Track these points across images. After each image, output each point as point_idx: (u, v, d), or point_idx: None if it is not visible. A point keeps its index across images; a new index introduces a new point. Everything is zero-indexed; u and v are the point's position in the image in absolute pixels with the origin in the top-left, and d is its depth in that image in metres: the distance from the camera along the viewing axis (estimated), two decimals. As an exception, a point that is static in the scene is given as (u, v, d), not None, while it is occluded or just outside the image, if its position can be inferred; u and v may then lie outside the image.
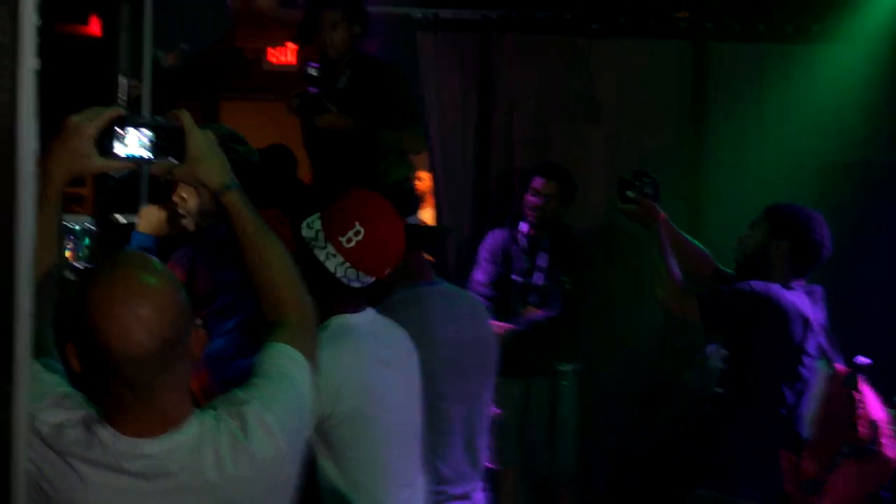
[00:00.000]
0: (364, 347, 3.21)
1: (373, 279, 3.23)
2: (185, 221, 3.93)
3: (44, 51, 2.10)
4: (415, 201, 4.11)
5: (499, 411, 6.14)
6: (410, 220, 3.91)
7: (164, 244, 3.87)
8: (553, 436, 6.28)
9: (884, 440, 4.57)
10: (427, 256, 4.01)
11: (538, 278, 6.21)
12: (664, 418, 6.83)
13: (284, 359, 2.43)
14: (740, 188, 6.84)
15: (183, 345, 2.19)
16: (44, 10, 2.10)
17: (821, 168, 6.92)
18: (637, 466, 6.96)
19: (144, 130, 2.42)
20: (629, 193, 4.70)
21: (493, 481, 6.14)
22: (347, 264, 3.15)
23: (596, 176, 7.03)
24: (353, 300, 3.27)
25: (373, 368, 3.19)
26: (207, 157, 2.48)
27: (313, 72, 5.48)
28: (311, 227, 3.19)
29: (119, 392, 2.17)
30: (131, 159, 2.43)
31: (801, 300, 4.46)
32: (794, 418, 4.52)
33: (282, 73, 8.80)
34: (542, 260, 6.27)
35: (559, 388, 6.30)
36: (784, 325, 4.41)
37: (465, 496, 3.86)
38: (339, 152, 5.61)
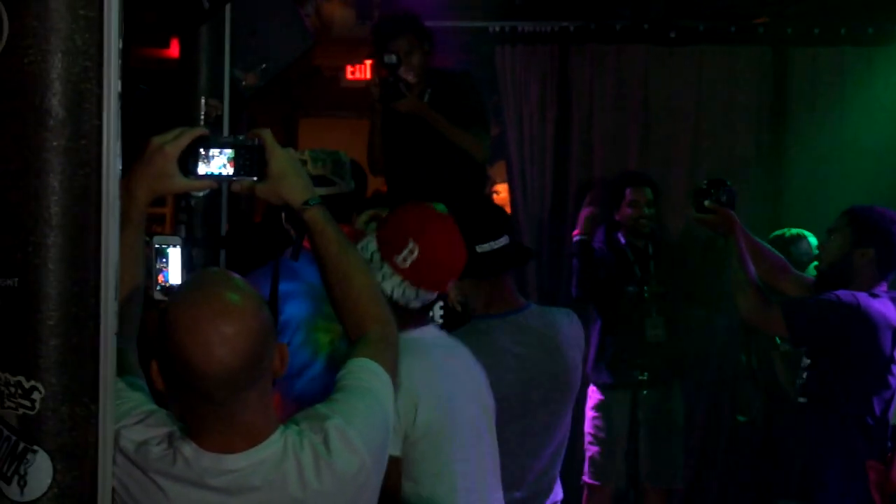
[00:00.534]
0: (434, 361, 3.15)
1: (434, 295, 3.18)
2: None
3: (128, 75, 2.13)
4: (507, 221, 3.99)
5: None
6: (502, 241, 3.81)
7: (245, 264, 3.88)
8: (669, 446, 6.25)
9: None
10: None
11: (652, 286, 6.16)
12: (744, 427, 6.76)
13: (367, 373, 2.43)
14: (823, 192, 6.75)
15: (266, 362, 2.20)
16: (127, 34, 2.13)
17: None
18: (717, 475, 6.91)
19: (226, 150, 2.45)
20: (706, 203, 4.63)
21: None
22: (407, 283, 3.07)
23: (677, 185, 6.98)
24: (416, 318, 3.19)
25: (445, 382, 3.13)
26: (289, 175, 2.49)
27: (390, 59, 5.48)
28: (367, 249, 3.11)
29: (202, 409, 2.18)
30: (213, 178, 2.46)
31: (888, 308, 4.38)
32: (881, 428, 4.43)
33: (359, 89, 8.85)
34: (653, 267, 6.22)
35: (670, 400, 6.26)
36: (873, 336, 4.33)
37: None
38: (415, 148, 5.62)
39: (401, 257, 3.05)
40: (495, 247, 3.74)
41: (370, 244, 3.12)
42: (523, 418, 3.71)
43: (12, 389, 2.03)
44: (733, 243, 4.57)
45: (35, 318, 2.02)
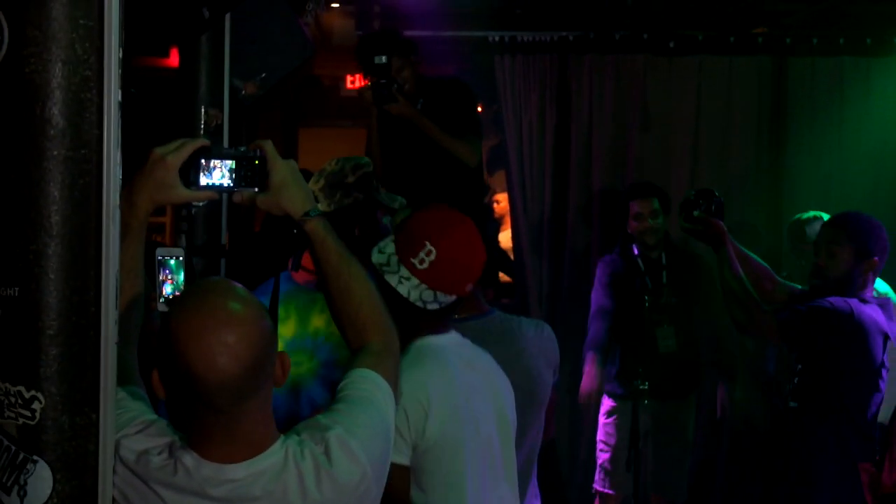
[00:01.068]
0: (451, 370, 3.09)
1: (454, 297, 3.11)
2: None
3: (127, 83, 2.14)
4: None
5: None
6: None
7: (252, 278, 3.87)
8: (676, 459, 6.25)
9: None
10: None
11: (667, 297, 6.15)
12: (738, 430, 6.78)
13: (368, 384, 2.42)
14: (822, 201, 6.75)
15: (267, 371, 2.20)
16: (127, 44, 2.13)
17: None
18: (713, 480, 6.92)
19: (227, 161, 2.45)
20: (696, 213, 4.62)
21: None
22: (423, 286, 3.03)
23: (677, 195, 6.98)
24: (436, 322, 3.15)
25: (460, 392, 3.07)
26: (290, 186, 2.49)
27: (380, 60, 5.47)
28: (384, 251, 3.08)
29: (203, 418, 2.18)
30: (215, 189, 2.46)
31: (878, 314, 4.43)
32: (872, 431, 4.46)
33: (359, 99, 8.85)
34: (666, 278, 6.21)
35: (685, 409, 6.27)
36: (866, 342, 4.37)
37: None
38: (412, 154, 5.62)
39: (418, 259, 3.02)
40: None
41: (388, 246, 3.09)
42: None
43: (12, 399, 2.03)
44: (724, 253, 4.56)
45: (35, 327, 2.02)
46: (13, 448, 2.05)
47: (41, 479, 2.04)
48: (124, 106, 2.12)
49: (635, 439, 5.87)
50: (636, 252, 6.26)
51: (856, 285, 4.46)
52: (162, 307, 2.64)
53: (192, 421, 2.20)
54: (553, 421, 4.49)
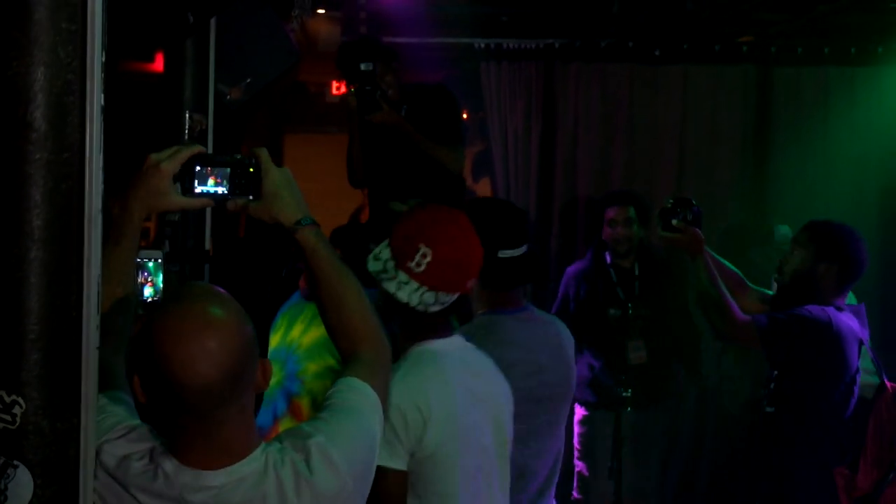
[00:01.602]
0: (451, 376, 3.07)
1: (455, 296, 3.10)
2: None
3: (111, 88, 2.13)
4: (527, 230, 3.94)
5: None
6: (521, 250, 3.82)
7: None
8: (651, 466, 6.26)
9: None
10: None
11: (638, 308, 6.15)
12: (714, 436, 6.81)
13: (355, 394, 2.41)
14: (807, 209, 6.77)
15: (248, 377, 2.18)
16: (112, 48, 2.13)
17: (885, 190, 6.87)
18: (689, 484, 6.93)
19: (222, 168, 2.45)
20: (674, 222, 4.61)
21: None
22: (424, 288, 3.01)
23: (661, 202, 6.99)
24: (438, 325, 3.14)
25: (460, 400, 3.05)
26: (282, 194, 2.48)
27: (367, 66, 5.45)
28: (380, 258, 3.06)
29: (183, 423, 2.17)
30: (209, 197, 2.46)
31: (853, 321, 4.47)
32: (847, 435, 4.49)
33: (342, 105, 8.84)
34: (637, 289, 6.21)
35: (655, 421, 6.28)
36: (843, 349, 4.40)
37: None
38: (395, 159, 5.61)
39: (414, 262, 3.00)
40: (515, 254, 3.72)
41: (384, 252, 3.07)
42: (528, 416, 3.66)
43: (-7, 403, 2.03)
44: (701, 261, 4.56)
45: (17, 331, 2.01)
46: (-6, 453, 2.04)
47: (22, 484, 2.03)
48: (108, 110, 2.12)
49: (618, 448, 5.88)
50: (608, 260, 6.26)
51: (822, 291, 4.48)
52: (139, 310, 2.64)
53: (173, 427, 2.19)
54: None
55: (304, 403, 3.54)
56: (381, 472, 2.69)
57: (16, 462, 2.03)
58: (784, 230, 6.42)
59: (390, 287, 3.02)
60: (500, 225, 3.69)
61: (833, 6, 6.73)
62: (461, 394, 3.07)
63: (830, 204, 6.80)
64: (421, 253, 3.00)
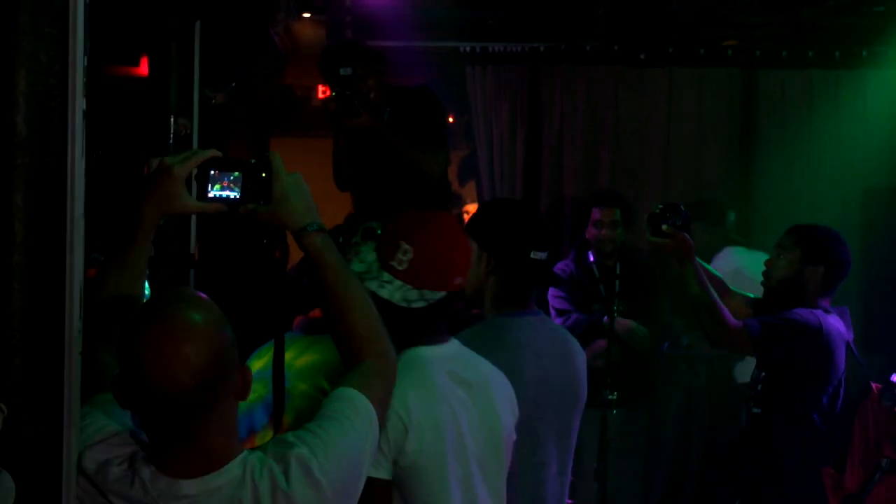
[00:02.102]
0: (437, 383, 3.02)
1: (442, 294, 3.05)
2: None
3: (97, 92, 2.13)
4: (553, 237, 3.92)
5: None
6: (545, 255, 3.79)
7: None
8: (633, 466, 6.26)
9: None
10: None
11: (617, 306, 6.15)
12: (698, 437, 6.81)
13: (346, 405, 2.38)
14: (791, 211, 6.80)
15: (227, 384, 2.16)
16: (96, 52, 2.12)
17: (873, 193, 6.90)
18: (675, 485, 6.94)
19: (235, 173, 2.44)
20: (665, 227, 4.60)
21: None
22: (407, 287, 2.98)
23: (647, 205, 7.00)
24: (427, 326, 3.10)
25: (446, 407, 3.00)
26: (290, 199, 2.46)
27: (346, 71, 5.44)
28: (364, 260, 3.03)
29: (162, 430, 2.15)
30: (221, 201, 2.45)
31: (840, 323, 4.49)
32: (835, 435, 4.50)
33: (324, 110, 8.83)
34: (618, 287, 6.22)
35: (637, 421, 6.28)
36: (832, 351, 4.43)
37: None
38: (378, 163, 5.61)
39: (396, 261, 2.98)
40: (541, 257, 3.72)
41: (369, 255, 3.05)
42: (535, 421, 3.61)
43: (-25, 409, 2.02)
44: (691, 268, 4.54)
45: (-1, 336, 2.01)
46: (-25, 458, 2.03)
47: (3, 489, 2.02)
48: (92, 114, 2.11)
49: (604, 450, 5.88)
50: (592, 259, 6.28)
51: (809, 293, 4.50)
52: None
53: (151, 433, 2.17)
54: None
55: (287, 418, 3.52)
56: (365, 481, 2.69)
57: (-2, 467, 2.02)
58: (731, 216, 6.65)
59: (372, 286, 3.00)
60: (533, 226, 3.68)
61: (817, 10, 6.76)
62: (448, 401, 3.02)
63: (815, 205, 6.83)
64: (402, 250, 2.98)
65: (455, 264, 3.09)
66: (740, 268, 6.31)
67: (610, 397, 5.98)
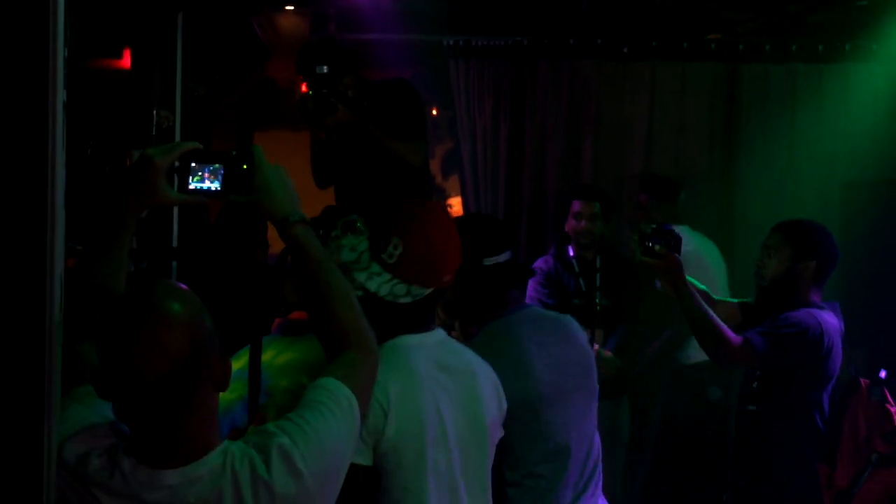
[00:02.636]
0: (416, 370, 3.03)
1: (429, 290, 3.07)
2: None
3: (79, 84, 2.12)
4: (511, 237, 3.94)
5: None
6: (505, 256, 3.82)
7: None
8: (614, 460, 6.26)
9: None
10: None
11: (598, 300, 6.16)
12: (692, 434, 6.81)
13: (327, 395, 2.38)
14: (774, 206, 6.81)
15: (206, 374, 2.17)
16: (79, 45, 2.12)
17: (852, 186, 6.91)
18: (671, 488, 6.94)
19: (216, 165, 2.44)
20: (658, 248, 4.53)
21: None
22: (395, 281, 2.99)
23: (630, 199, 7.03)
24: (412, 319, 3.10)
25: (428, 394, 3.01)
26: (272, 190, 2.47)
27: (321, 69, 5.44)
28: (356, 249, 3.04)
29: (141, 420, 2.16)
30: (202, 193, 2.45)
31: (834, 319, 4.47)
32: (829, 431, 4.50)
33: (301, 107, 8.81)
34: (598, 281, 6.22)
35: (621, 410, 6.28)
36: (832, 350, 4.41)
37: None
38: (358, 156, 5.61)
39: (387, 254, 2.99)
40: (500, 260, 3.72)
41: (361, 244, 3.05)
42: (561, 403, 3.67)
43: (-46, 402, 2.01)
44: (685, 290, 4.49)
45: (-23, 329, 2.01)
46: (-46, 452, 2.03)
47: (-17, 482, 2.02)
48: (75, 106, 2.11)
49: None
50: (571, 253, 6.28)
51: (802, 289, 4.50)
52: None
53: (131, 424, 2.17)
54: None
55: (270, 415, 3.52)
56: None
57: (-23, 460, 2.02)
58: (682, 195, 6.68)
59: (360, 277, 3.00)
60: (477, 234, 3.68)
61: (801, 5, 6.77)
62: (429, 387, 3.03)
63: (796, 199, 6.84)
64: (393, 244, 2.99)
65: (445, 262, 3.09)
66: (697, 251, 6.31)
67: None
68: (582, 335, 3.90)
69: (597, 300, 6.10)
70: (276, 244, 2.69)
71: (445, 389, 3.08)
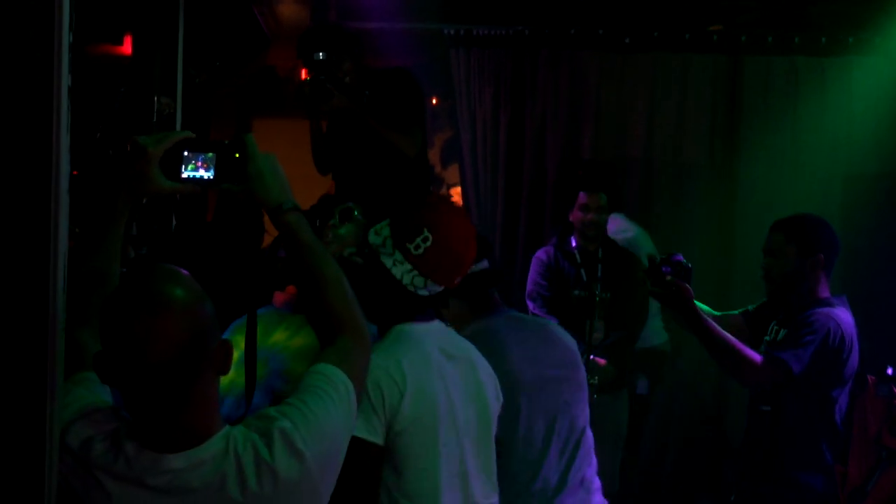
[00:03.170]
0: (430, 356, 3.11)
1: (441, 288, 3.13)
2: None
3: (79, 70, 2.11)
4: (488, 247, 4.00)
5: None
6: (482, 265, 3.83)
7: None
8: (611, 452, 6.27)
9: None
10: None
11: (601, 291, 6.15)
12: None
13: (325, 381, 2.39)
14: (775, 198, 6.81)
15: (207, 357, 2.17)
16: (79, 30, 2.11)
17: (854, 179, 6.91)
18: (668, 480, 6.95)
19: (208, 153, 2.45)
20: (668, 278, 4.40)
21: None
22: (415, 272, 3.06)
23: (630, 191, 7.02)
24: (421, 309, 3.17)
25: (438, 377, 3.09)
26: (264, 178, 2.48)
27: (318, 56, 5.45)
28: (380, 233, 3.11)
29: (144, 405, 2.16)
30: (195, 181, 2.46)
31: (847, 315, 4.43)
32: (844, 428, 4.47)
33: (298, 93, 8.80)
34: (600, 272, 6.22)
35: (619, 404, 6.27)
36: (852, 349, 4.37)
37: None
38: (357, 144, 5.60)
39: (413, 245, 3.05)
40: (477, 269, 3.75)
41: (384, 229, 3.11)
42: (538, 393, 3.72)
43: (-43, 386, 2.01)
44: (701, 325, 4.37)
45: (-20, 313, 2.00)
46: (-43, 436, 2.03)
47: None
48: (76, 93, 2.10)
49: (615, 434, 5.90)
50: (574, 244, 6.27)
51: (811, 282, 4.47)
52: None
53: (133, 408, 2.18)
54: None
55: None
56: (358, 443, 2.79)
57: (-20, 444, 2.02)
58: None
59: (387, 262, 3.05)
60: None
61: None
62: (440, 373, 3.11)
63: (797, 192, 6.83)
64: (423, 237, 3.06)
65: (462, 265, 3.18)
66: (636, 239, 6.31)
67: (591, 382, 5.97)
68: (565, 336, 3.96)
69: (597, 291, 6.09)
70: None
71: (452, 375, 3.16)
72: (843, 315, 4.42)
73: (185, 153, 2.44)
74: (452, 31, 7.08)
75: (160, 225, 4.51)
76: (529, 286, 6.34)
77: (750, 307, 4.78)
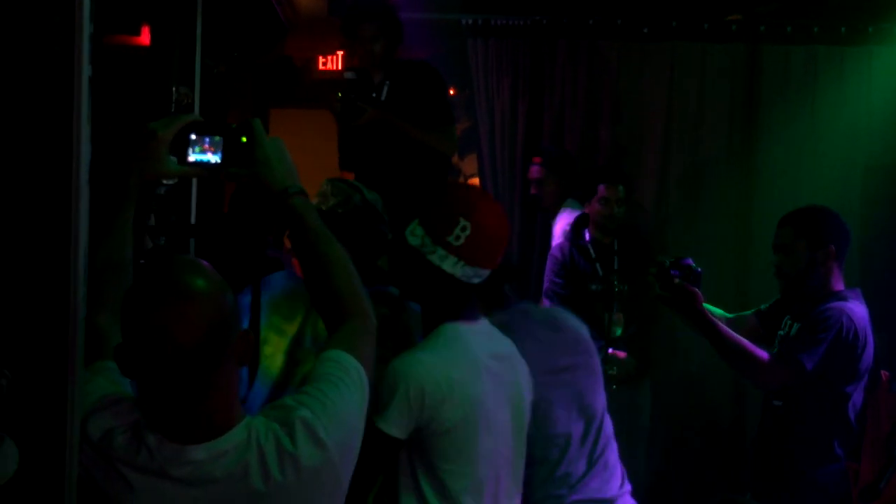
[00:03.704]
0: (477, 359, 3.10)
1: (489, 272, 3.14)
2: None
3: (98, 60, 2.12)
4: None
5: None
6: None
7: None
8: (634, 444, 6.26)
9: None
10: None
11: (619, 283, 6.14)
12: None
13: (337, 367, 2.40)
14: (793, 189, 6.78)
15: (228, 348, 2.18)
16: (98, 21, 2.12)
17: (874, 170, 6.88)
18: (685, 474, 6.93)
19: (216, 137, 2.47)
20: (677, 281, 4.37)
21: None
22: (462, 262, 3.06)
23: (648, 181, 7.01)
24: (470, 302, 3.17)
25: (483, 383, 3.08)
26: (272, 163, 2.50)
27: (350, 75, 5.49)
28: (416, 234, 3.10)
29: (165, 396, 2.17)
30: (202, 165, 2.47)
31: (860, 307, 4.40)
32: (857, 424, 4.44)
33: (331, 80, 8.81)
34: (616, 264, 6.22)
35: (641, 395, 6.27)
36: (866, 345, 4.36)
37: (612, 500, 3.80)
38: (380, 146, 5.61)
39: (453, 236, 3.05)
40: None
41: (417, 229, 3.10)
42: (562, 396, 3.72)
43: (-22, 375, 2.02)
44: (705, 321, 4.36)
45: (3, 302, 2.00)
46: (-21, 424, 2.03)
47: (7, 455, 2.02)
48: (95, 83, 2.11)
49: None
50: (588, 238, 6.27)
51: (820, 276, 4.44)
52: None
53: (155, 399, 2.19)
54: None
55: None
56: (379, 434, 2.89)
57: (1, 433, 2.02)
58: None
59: (434, 260, 3.04)
60: None
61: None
62: (485, 376, 3.10)
63: (817, 182, 6.79)
64: (461, 226, 3.05)
65: (502, 243, 3.19)
66: None
67: (610, 372, 5.97)
68: (574, 322, 3.93)
69: (615, 283, 6.07)
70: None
71: (498, 378, 3.16)
72: (857, 308, 4.39)
73: (193, 136, 2.47)
74: (470, 21, 7.07)
75: (178, 216, 4.52)
76: (546, 284, 6.35)
77: (763, 306, 4.76)
